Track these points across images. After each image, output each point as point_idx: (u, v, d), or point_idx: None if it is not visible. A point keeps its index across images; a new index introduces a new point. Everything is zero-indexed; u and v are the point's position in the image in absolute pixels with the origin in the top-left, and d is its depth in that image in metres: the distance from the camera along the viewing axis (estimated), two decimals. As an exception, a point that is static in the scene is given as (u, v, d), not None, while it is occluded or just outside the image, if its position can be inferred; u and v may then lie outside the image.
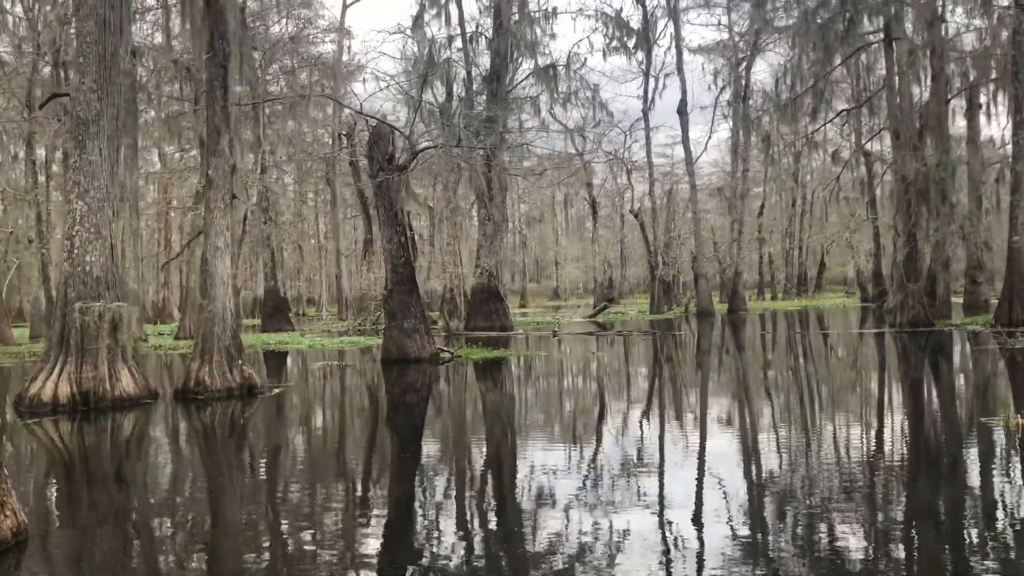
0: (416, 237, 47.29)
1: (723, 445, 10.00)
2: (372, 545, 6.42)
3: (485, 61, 38.75)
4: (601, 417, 12.80)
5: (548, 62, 38.18)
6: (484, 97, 37.83)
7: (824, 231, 63.81)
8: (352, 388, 18.20)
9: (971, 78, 30.03)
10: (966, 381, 16.17)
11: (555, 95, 38.19)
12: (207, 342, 16.03)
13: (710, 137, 52.74)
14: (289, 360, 25.34)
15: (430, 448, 10.76)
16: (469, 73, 40.52)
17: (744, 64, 47.30)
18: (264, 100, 29.86)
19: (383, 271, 22.93)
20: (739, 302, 47.88)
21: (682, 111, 46.14)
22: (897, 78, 27.76)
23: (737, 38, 48.99)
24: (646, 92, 49.16)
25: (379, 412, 14.63)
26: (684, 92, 46.12)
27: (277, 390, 16.63)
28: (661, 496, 7.55)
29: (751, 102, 46.16)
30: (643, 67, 49.09)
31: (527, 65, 39.69)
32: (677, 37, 47.27)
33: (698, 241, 47.33)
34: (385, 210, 21.53)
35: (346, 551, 6.30)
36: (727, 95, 48.92)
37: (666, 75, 49.04)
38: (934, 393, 14.55)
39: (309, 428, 12.89)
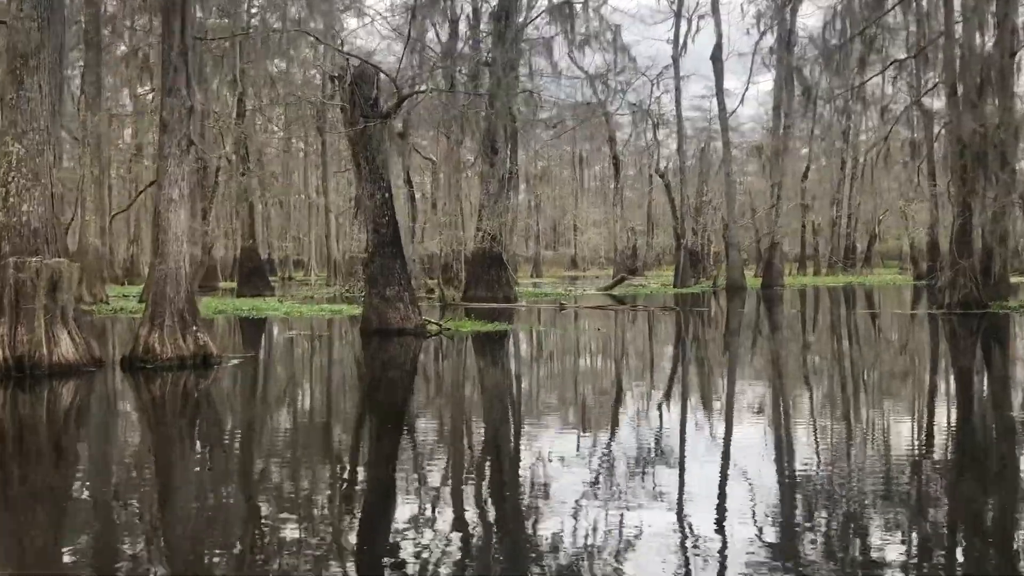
0: (417, 196, 47.36)
1: (725, 433, 9.94)
2: (292, 538, 6.41)
3: (494, -4, 38.32)
4: (592, 403, 12.76)
5: (565, -1, 37.72)
6: (492, 38, 37.46)
7: (877, 198, 63.01)
8: (319, 362, 18.23)
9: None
10: (1006, 373, 15.99)
11: (571, 37, 37.78)
12: (158, 305, 16.05)
13: (747, 88, 52.49)
14: (260, 328, 25.46)
15: (391, 431, 10.76)
16: (476, 10, 40.16)
17: (789, 6, 46.54)
18: (233, 36, 29.64)
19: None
20: (775, 276, 47.53)
21: (716, 57, 45.60)
22: (958, 26, 27.26)
23: (782, -25, 48.20)
24: (677, 36, 48.64)
25: (343, 389, 14.65)
26: (719, 36, 45.57)
27: (235, 361, 16.67)
28: (664, 492, 7.48)
29: (796, 49, 45.48)
30: (674, 7, 48.57)
31: (541, 2, 39.28)
32: (713, -28, 46.60)
33: (731, 206, 46.91)
34: (367, 162, 21.42)
35: (256, 542, 6.28)
36: (769, 41, 48.26)
37: (700, 17, 48.52)
38: (966, 383, 14.41)
39: (261, 403, 12.92)
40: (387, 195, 21.56)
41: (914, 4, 33.43)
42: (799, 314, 30.58)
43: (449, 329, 22.20)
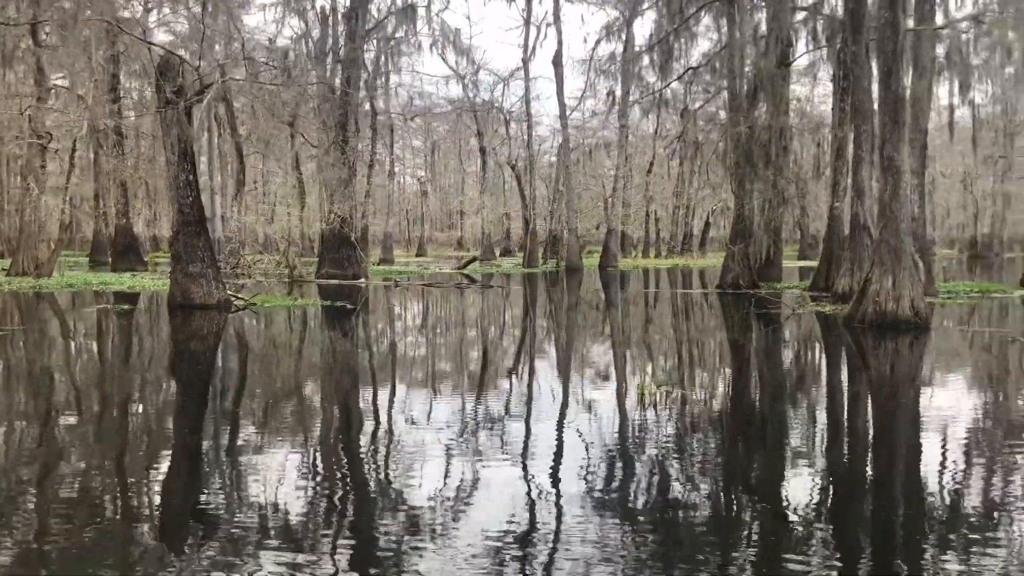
0: (282, 176, 45.84)
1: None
2: None
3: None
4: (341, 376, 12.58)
5: (410, 1, 37.17)
6: (344, 35, 36.72)
7: (711, 190, 63.88)
8: (108, 331, 17.56)
9: (817, 38, 30.46)
10: (687, 340, 16.43)
11: (412, 38, 37.37)
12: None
13: (585, 90, 51.50)
14: (78, 302, 24.42)
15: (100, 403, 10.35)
16: (335, 9, 39.24)
17: (623, 19, 46.82)
18: (26, 22, 28.12)
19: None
20: (610, 258, 48.19)
21: (557, 62, 45.68)
22: (737, 35, 27.83)
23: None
24: (527, 41, 48.72)
25: (103, 358, 14.11)
26: (560, 43, 45.67)
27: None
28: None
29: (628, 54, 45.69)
30: (524, 15, 48.55)
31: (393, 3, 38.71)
32: (555, -15, 46.74)
33: (569, 196, 47.32)
34: (173, 146, 20.68)
35: None
36: (605, 49, 48.64)
37: (548, 25, 48.50)
38: (638, 353, 14.69)
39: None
40: (191, 177, 20.84)
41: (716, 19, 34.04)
42: (600, 291, 30.94)
43: (255, 305, 21.67)
